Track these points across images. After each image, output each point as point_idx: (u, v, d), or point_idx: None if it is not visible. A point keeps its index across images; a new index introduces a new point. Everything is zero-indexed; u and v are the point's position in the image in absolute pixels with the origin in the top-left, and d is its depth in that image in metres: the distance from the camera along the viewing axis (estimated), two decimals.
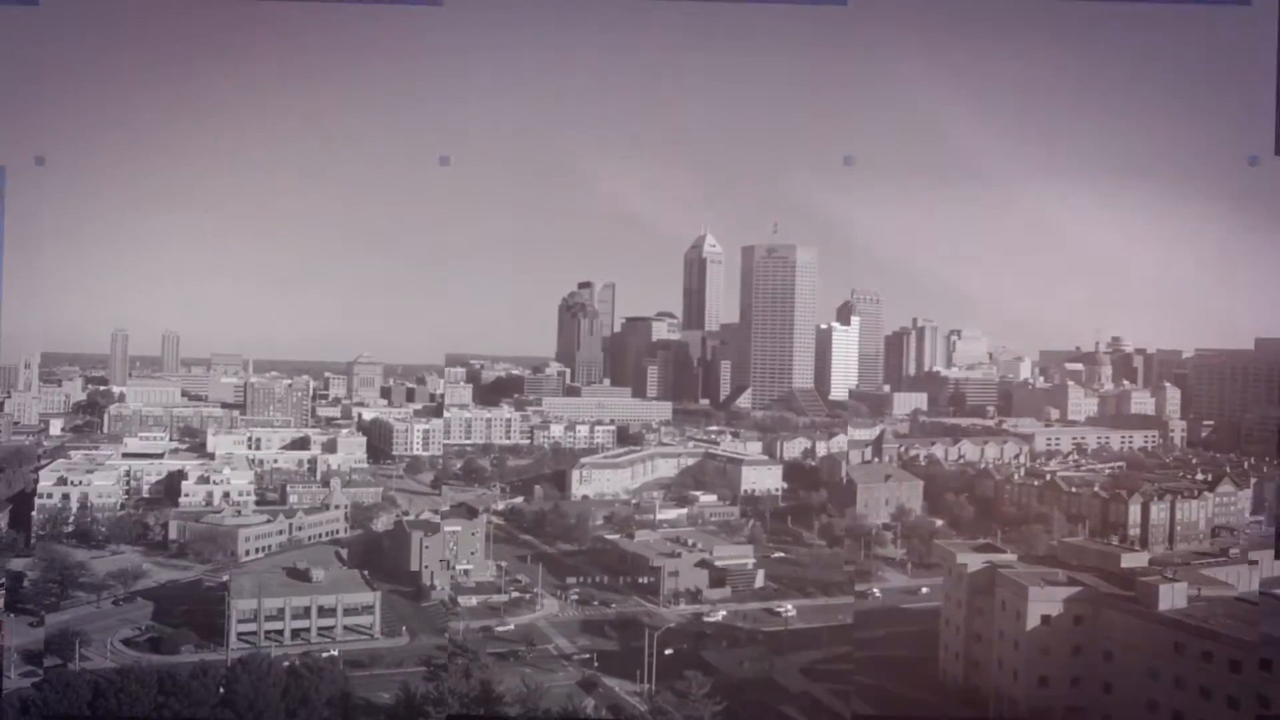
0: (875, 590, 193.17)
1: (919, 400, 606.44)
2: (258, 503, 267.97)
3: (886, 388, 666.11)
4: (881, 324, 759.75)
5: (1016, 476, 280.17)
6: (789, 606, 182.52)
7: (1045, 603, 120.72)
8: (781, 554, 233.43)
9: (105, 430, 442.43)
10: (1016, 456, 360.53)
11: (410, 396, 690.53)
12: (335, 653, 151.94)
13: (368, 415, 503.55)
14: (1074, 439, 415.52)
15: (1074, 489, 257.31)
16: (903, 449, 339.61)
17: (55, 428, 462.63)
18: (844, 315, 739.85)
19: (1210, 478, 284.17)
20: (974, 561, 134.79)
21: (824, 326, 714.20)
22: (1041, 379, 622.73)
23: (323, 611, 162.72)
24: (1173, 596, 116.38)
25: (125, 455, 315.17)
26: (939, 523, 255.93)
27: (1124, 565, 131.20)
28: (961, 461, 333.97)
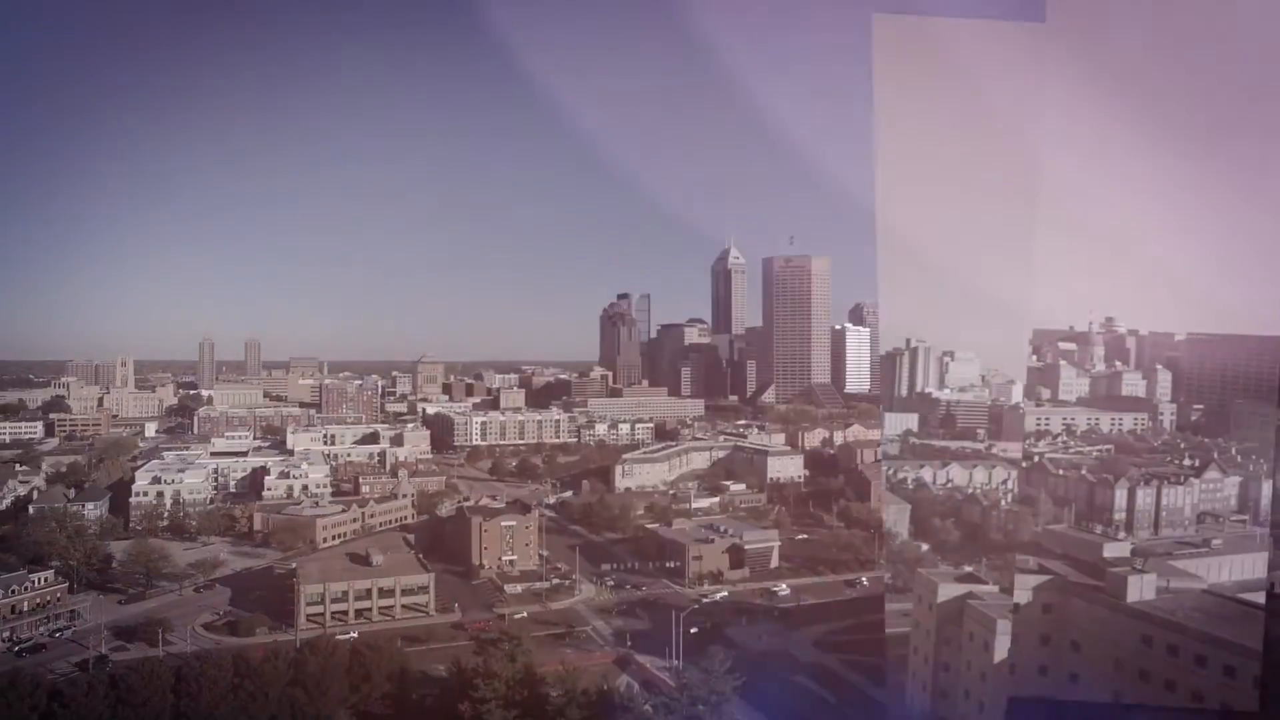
0: (864, 579, 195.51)
1: (910, 421, 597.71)
2: (333, 494, 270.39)
3: (882, 408, 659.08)
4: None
5: (1003, 504, 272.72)
6: (784, 586, 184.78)
7: (1016, 591, 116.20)
8: (804, 536, 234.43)
9: (195, 431, 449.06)
10: (1004, 481, 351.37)
11: (470, 391, 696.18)
12: None
13: (431, 410, 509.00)
14: (1064, 420, 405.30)
15: (1061, 471, 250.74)
16: (891, 471, 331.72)
17: (150, 429, 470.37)
18: (856, 316, 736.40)
19: (1198, 463, 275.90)
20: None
21: (838, 327, 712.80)
22: (1035, 358, 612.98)
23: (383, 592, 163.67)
24: (1141, 588, 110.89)
25: (213, 454, 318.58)
26: (924, 547, 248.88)
27: (1106, 555, 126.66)
28: (950, 486, 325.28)
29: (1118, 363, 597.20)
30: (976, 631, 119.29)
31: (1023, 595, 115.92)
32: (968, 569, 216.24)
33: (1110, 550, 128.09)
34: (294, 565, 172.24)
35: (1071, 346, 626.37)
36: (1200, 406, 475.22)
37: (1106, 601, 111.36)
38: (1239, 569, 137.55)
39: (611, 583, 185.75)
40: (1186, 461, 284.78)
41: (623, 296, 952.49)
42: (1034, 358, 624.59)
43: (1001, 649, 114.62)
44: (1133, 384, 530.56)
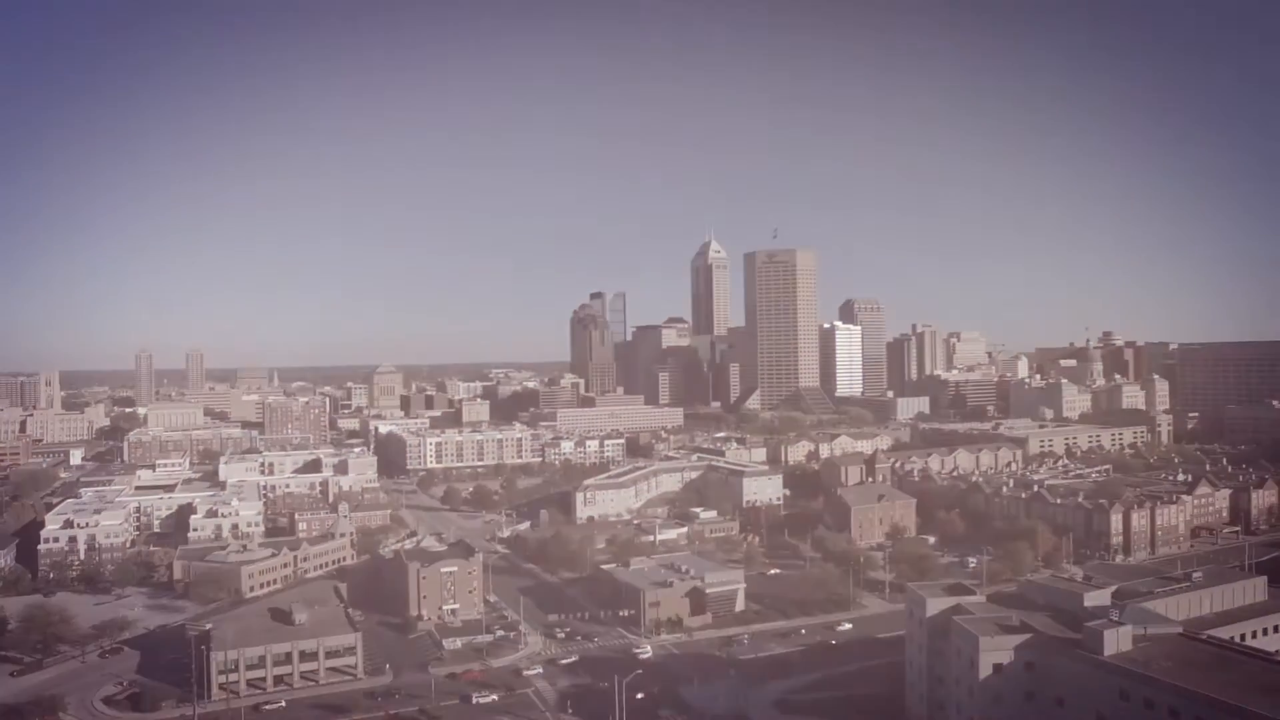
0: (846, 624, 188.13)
1: (921, 404, 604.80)
2: (267, 532, 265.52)
3: (890, 393, 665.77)
4: (883, 330, 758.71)
5: (1005, 489, 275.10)
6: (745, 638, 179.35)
7: (997, 651, 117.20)
8: (776, 571, 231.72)
9: (125, 458, 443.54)
10: (1009, 465, 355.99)
11: (429, 404, 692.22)
12: None
13: (384, 428, 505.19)
14: (1066, 440, 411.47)
15: (1059, 500, 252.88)
16: (897, 463, 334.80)
17: (77, 457, 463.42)
18: (846, 314, 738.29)
19: (1190, 478, 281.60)
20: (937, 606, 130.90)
21: (827, 325, 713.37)
22: (1038, 377, 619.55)
23: (305, 656, 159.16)
24: (1118, 641, 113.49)
25: (138, 488, 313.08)
26: (931, 540, 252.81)
27: (1087, 605, 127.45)
28: (955, 474, 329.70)
29: (1117, 376, 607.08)
30: (962, 648, 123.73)
31: (1004, 655, 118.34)
32: (972, 562, 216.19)
33: (1090, 600, 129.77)
34: (208, 626, 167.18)
35: (1073, 363, 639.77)
36: (1195, 414, 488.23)
37: (1084, 657, 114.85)
38: (1219, 601, 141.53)
39: (562, 634, 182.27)
40: (1180, 477, 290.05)
41: (595, 296, 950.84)
42: (1037, 377, 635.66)
43: (986, 666, 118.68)
44: (1132, 395, 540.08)
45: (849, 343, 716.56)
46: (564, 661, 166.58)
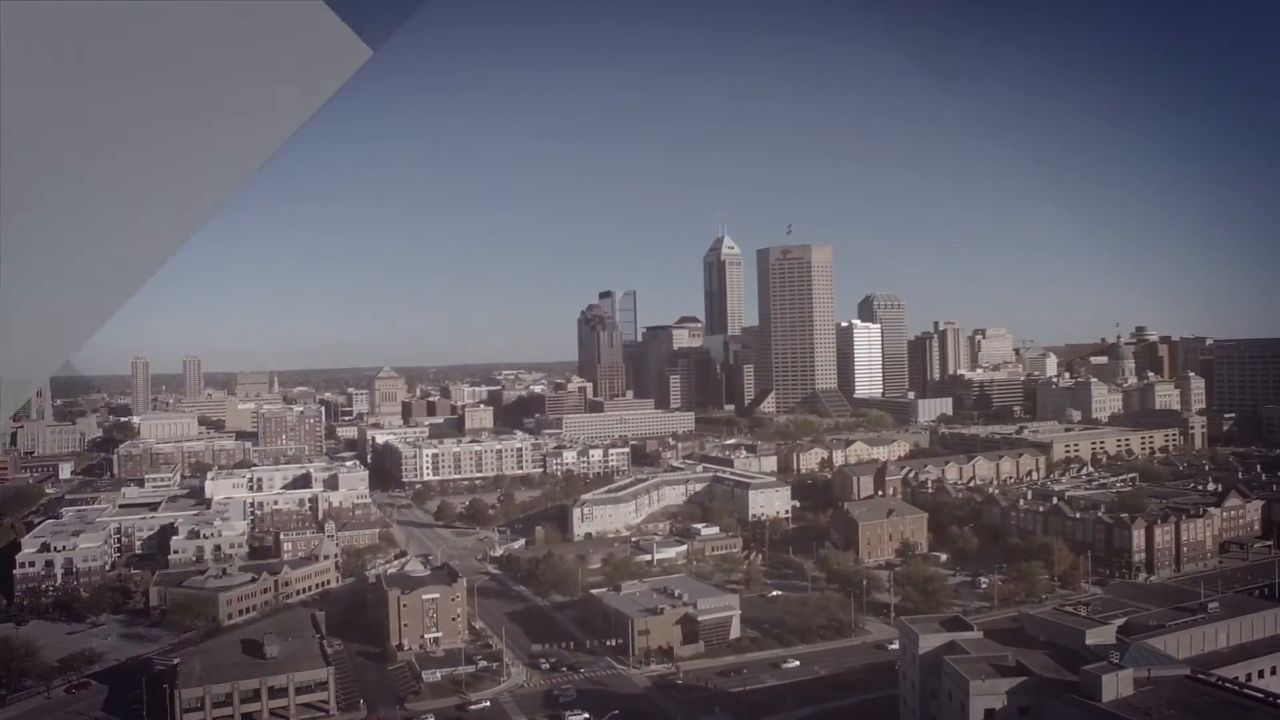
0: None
1: (944, 406, 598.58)
2: (251, 553, 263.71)
3: (911, 394, 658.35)
4: (904, 328, 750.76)
5: (1023, 501, 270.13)
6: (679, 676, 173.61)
7: (989, 696, 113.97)
8: (777, 593, 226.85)
9: (115, 472, 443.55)
10: (1029, 473, 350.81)
11: (431, 410, 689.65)
12: None
13: (381, 438, 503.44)
14: (1093, 444, 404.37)
15: (1079, 513, 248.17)
16: (910, 473, 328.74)
17: (66, 470, 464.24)
18: (865, 311, 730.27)
19: (1220, 488, 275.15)
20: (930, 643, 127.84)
21: (844, 324, 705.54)
22: (1067, 375, 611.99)
23: (274, 692, 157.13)
24: (1117, 686, 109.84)
25: (121, 506, 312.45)
26: (943, 557, 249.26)
27: (1089, 642, 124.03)
28: (973, 484, 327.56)
29: (1150, 374, 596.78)
30: (954, 691, 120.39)
31: (996, 700, 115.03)
32: (983, 582, 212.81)
33: (1093, 637, 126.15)
34: (175, 660, 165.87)
35: (1103, 360, 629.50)
36: (1231, 415, 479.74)
37: (1081, 703, 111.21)
38: (1236, 633, 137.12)
39: (547, 664, 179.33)
40: (1210, 486, 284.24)
41: (605, 295, 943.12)
42: (1066, 375, 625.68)
43: (976, 711, 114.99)
44: (1166, 394, 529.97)
45: (868, 342, 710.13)
46: (474, 707, 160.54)
